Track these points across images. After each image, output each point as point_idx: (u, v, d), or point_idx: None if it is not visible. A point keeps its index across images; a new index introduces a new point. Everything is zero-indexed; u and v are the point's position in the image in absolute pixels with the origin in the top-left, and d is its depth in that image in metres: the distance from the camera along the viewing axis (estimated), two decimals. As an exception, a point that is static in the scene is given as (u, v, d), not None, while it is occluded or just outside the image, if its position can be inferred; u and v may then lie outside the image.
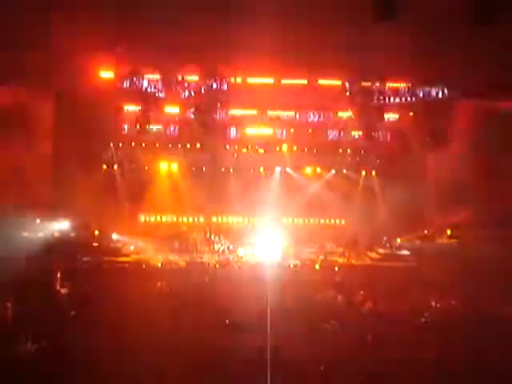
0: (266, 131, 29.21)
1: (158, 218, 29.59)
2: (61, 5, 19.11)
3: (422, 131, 27.45)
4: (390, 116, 28.54)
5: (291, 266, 25.99)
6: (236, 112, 28.49)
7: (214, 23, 21.01)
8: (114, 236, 27.74)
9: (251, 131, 29.15)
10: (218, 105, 27.26)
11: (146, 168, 29.34)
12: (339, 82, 26.77)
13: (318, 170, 30.21)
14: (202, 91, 26.93)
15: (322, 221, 30.14)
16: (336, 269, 25.13)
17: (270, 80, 26.82)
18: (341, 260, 27.18)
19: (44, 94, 25.59)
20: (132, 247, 27.57)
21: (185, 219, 29.56)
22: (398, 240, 28.57)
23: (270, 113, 28.56)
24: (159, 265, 25.43)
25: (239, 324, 16.80)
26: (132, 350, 14.28)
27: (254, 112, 28.61)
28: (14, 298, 17.53)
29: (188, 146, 28.99)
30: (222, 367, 13.69)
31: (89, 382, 13.01)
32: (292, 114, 28.65)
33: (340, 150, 29.54)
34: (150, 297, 19.46)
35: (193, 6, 20.87)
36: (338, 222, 30.19)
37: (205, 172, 29.56)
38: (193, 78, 26.75)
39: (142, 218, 29.48)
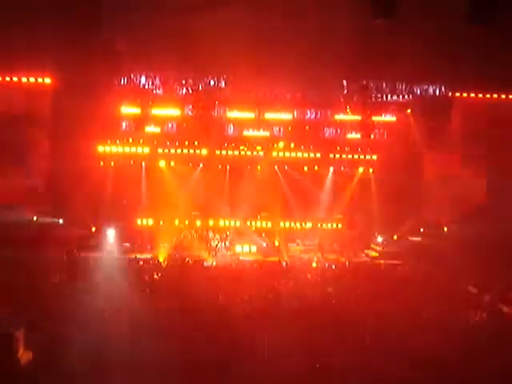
0: (262, 130, 29.14)
1: (155, 216, 29.40)
2: (61, 3, 19.13)
3: (419, 129, 27.55)
4: (388, 114, 28.56)
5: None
6: (234, 112, 28.41)
7: (212, 22, 21.05)
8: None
9: (248, 129, 29.09)
10: (216, 102, 27.26)
11: (143, 165, 29.17)
12: (337, 80, 26.84)
13: (316, 167, 30.15)
14: (200, 88, 26.99)
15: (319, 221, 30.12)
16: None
17: (267, 77, 26.80)
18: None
19: (42, 91, 25.59)
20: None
21: (182, 217, 29.42)
22: (395, 237, 28.75)
23: (268, 115, 28.46)
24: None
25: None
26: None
27: (251, 110, 28.49)
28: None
29: (186, 143, 28.94)
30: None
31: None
32: (290, 111, 28.59)
33: (338, 148, 29.57)
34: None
35: (191, 5, 20.95)
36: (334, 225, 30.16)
37: (202, 170, 29.47)
38: (190, 75, 26.75)
39: (138, 216, 29.27)
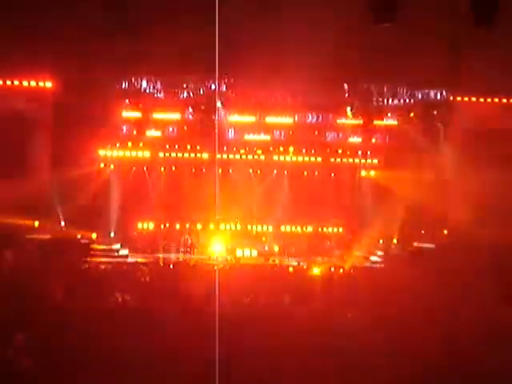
0: (263, 134, 29.19)
1: (155, 219, 29.33)
2: (61, 4, 19.16)
3: (420, 133, 27.53)
4: (389, 118, 28.54)
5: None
6: (235, 115, 28.39)
7: (213, 23, 21.01)
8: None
9: (249, 132, 29.11)
10: (218, 105, 27.26)
11: (145, 169, 29.16)
12: (338, 84, 26.83)
13: (316, 172, 30.10)
14: (201, 92, 26.99)
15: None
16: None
17: (268, 81, 26.81)
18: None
19: (43, 95, 25.59)
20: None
21: (182, 220, 29.36)
22: (394, 241, 28.69)
23: (268, 119, 28.47)
24: None
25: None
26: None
27: (252, 114, 28.51)
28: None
29: (188, 147, 28.92)
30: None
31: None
32: (291, 115, 28.59)
33: (339, 152, 29.53)
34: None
35: (192, 8, 20.93)
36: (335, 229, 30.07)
37: (203, 173, 29.43)
38: (192, 78, 26.77)
39: (139, 219, 29.21)
